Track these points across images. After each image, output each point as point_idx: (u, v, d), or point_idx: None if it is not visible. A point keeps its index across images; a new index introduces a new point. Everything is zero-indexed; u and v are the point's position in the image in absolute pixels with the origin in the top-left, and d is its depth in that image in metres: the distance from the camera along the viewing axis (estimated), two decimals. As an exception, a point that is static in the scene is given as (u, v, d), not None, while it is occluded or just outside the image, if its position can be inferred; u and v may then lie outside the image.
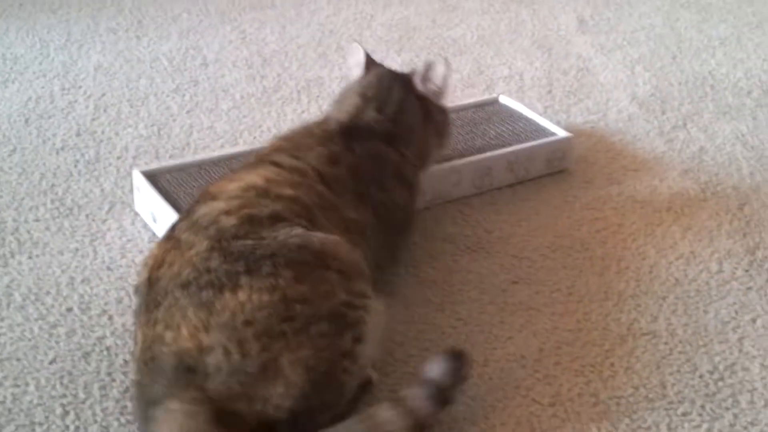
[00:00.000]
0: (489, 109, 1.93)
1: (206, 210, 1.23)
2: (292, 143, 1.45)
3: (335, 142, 1.44)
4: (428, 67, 1.58)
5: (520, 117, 1.90)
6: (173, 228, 1.24)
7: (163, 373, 1.10)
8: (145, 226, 1.58)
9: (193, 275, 1.13)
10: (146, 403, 1.10)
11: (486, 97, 1.99)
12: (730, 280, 1.51)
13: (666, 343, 1.37)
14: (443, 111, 1.62)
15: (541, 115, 1.94)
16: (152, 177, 1.59)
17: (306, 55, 2.30)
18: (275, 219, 1.21)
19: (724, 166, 1.86)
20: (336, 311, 1.15)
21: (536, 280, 1.50)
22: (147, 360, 1.12)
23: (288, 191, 1.28)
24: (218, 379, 1.08)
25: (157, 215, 1.53)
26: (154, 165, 1.68)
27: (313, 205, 1.29)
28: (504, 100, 1.97)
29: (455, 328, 1.38)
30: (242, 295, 1.11)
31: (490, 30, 2.51)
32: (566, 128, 1.89)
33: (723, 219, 1.68)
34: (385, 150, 1.50)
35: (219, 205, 1.23)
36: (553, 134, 1.83)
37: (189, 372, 1.09)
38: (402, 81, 1.58)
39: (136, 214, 1.61)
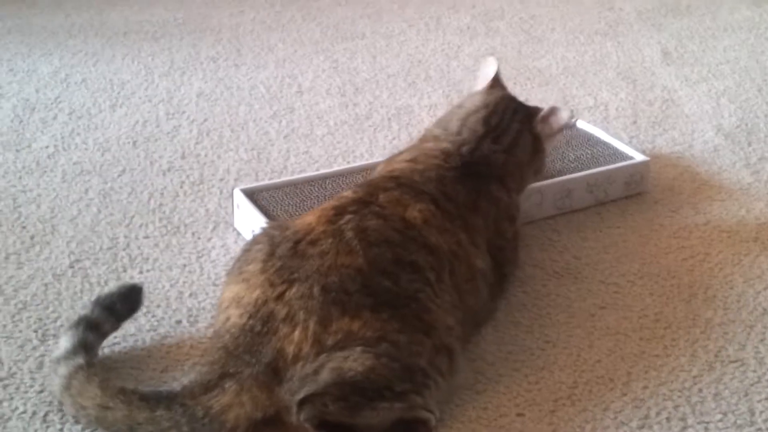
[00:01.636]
0: (567, 133, 1.98)
1: (375, 224, 1.35)
2: (425, 175, 1.49)
3: (466, 181, 1.51)
4: (552, 112, 1.62)
5: (598, 141, 1.96)
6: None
7: (257, 359, 1.21)
8: (247, 245, 1.66)
9: (336, 286, 1.25)
10: (223, 371, 1.20)
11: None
12: (818, 311, 1.54)
13: (754, 371, 1.39)
14: (546, 152, 1.67)
15: (619, 140, 1.99)
16: (251, 195, 1.69)
17: (396, 84, 2.38)
18: (413, 268, 1.32)
19: (812, 199, 1.88)
20: (412, 367, 1.24)
21: (624, 305, 1.54)
22: (251, 333, 1.23)
23: (434, 239, 1.38)
24: (288, 387, 1.18)
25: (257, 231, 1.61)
26: (252, 184, 1.77)
27: (449, 258, 1.38)
28: (581, 124, 2.02)
29: (544, 350, 1.43)
30: (356, 326, 1.23)
31: (575, 61, 2.56)
32: (651, 157, 1.93)
33: (811, 251, 1.70)
34: (498, 190, 1.55)
35: (386, 228, 1.35)
36: (630, 158, 1.88)
37: (274, 373, 1.19)
38: (524, 114, 1.63)
39: (239, 232, 1.70)
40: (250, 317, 1.25)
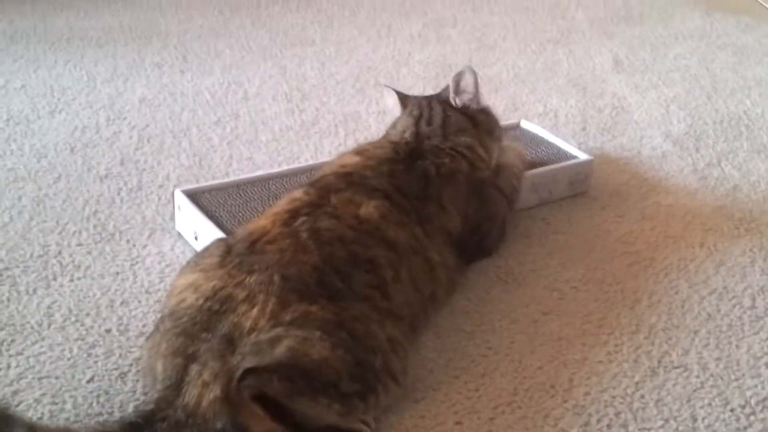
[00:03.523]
0: (512, 134, 1.97)
1: (328, 224, 1.36)
2: (377, 170, 1.52)
3: (415, 169, 1.55)
4: (458, 79, 1.67)
5: (542, 141, 1.95)
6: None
7: (214, 333, 1.18)
8: (183, 251, 1.61)
9: (295, 277, 1.25)
10: (185, 356, 1.17)
11: (509, 122, 2.03)
12: (763, 315, 1.51)
13: (697, 377, 1.37)
14: (484, 111, 1.71)
15: (564, 140, 1.98)
16: (193, 196, 1.64)
17: (344, 90, 2.35)
18: (371, 265, 1.34)
19: (759, 203, 1.86)
20: (365, 365, 1.22)
21: (567, 311, 1.51)
22: (209, 312, 1.21)
23: (392, 233, 1.40)
24: (239, 352, 1.16)
25: (200, 233, 1.57)
26: (194, 185, 1.73)
27: (406, 253, 1.40)
28: (525, 125, 2.01)
29: (485, 357, 1.40)
30: (314, 308, 1.22)
31: (526, 69, 2.55)
32: (600, 163, 1.92)
33: (757, 255, 1.68)
34: (453, 161, 1.59)
35: (339, 227, 1.36)
36: (574, 157, 1.88)
37: (229, 343, 1.17)
38: (437, 100, 1.69)
39: (176, 238, 1.65)
40: (207, 299, 1.24)
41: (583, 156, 1.88)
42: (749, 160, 2.05)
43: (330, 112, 2.21)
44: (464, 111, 1.68)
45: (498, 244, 1.67)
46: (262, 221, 1.39)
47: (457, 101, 1.68)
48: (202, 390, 1.15)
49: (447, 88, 1.69)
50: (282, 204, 1.43)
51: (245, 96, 2.28)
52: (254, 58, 2.53)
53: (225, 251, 1.32)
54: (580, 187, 1.86)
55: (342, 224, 1.38)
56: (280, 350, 1.17)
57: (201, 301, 1.23)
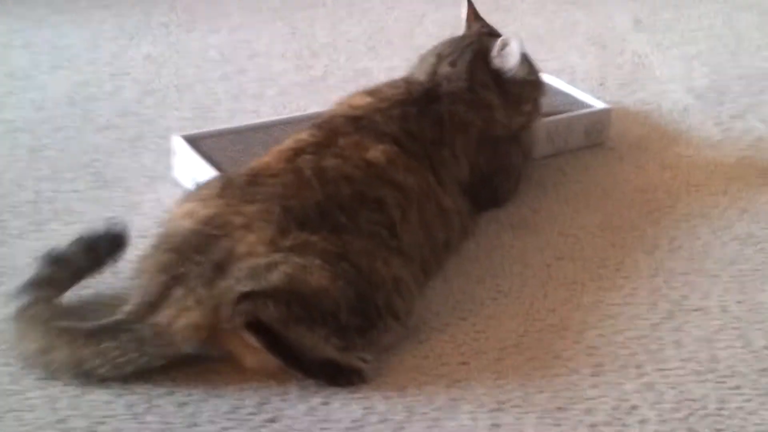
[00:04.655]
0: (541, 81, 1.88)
1: (334, 164, 1.29)
2: (387, 114, 1.44)
3: (429, 112, 1.47)
4: (503, 45, 1.55)
5: (558, 92, 1.87)
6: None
7: (206, 258, 1.13)
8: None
9: (297, 209, 1.20)
10: (171, 275, 1.13)
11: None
12: (789, 261, 1.44)
13: (718, 319, 1.29)
14: (524, 84, 1.59)
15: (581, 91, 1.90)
16: (193, 141, 1.58)
17: (355, 48, 2.28)
18: (378, 204, 1.27)
19: (785, 154, 1.78)
20: (367, 300, 1.15)
21: (582, 256, 1.44)
22: (203, 235, 1.16)
23: (401, 177, 1.33)
24: (233, 277, 1.11)
25: (200, 179, 1.51)
26: (194, 131, 1.67)
27: (416, 197, 1.33)
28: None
29: (495, 300, 1.33)
30: (315, 238, 1.16)
31: (543, 28, 2.47)
32: (618, 115, 1.84)
33: (783, 203, 1.60)
34: (467, 112, 1.50)
35: (345, 166, 1.29)
36: (591, 106, 1.80)
37: (220, 269, 1.12)
38: (476, 47, 1.58)
39: (175, 186, 1.59)
40: (203, 224, 1.18)
41: (600, 105, 1.81)
42: (775, 113, 1.96)
43: (340, 68, 2.15)
44: (497, 73, 1.56)
45: (511, 195, 1.59)
46: (265, 158, 1.33)
47: (494, 62, 1.56)
48: (180, 312, 1.09)
49: (494, 40, 1.58)
50: (287, 143, 1.37)
51: (253, 53, 2.21)
52: (263, 18, 2.47)
53: (225, 183, 1.27)
54: (597, 138, 1.78)
55: (348, 164, 1.31)
56: (277, 275, 1.10)
57: (197, 225, 1.17)
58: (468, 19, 1.68)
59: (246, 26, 2.40)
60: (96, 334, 1.12)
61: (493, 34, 1.65)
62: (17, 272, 1.34)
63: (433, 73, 1.53)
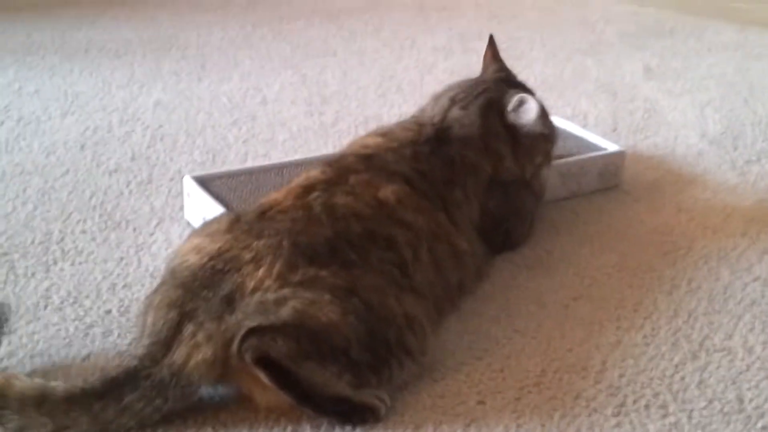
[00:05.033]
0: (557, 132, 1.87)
1: (344, 201, 1.27)
2: (399, 153, 1.42)
3: (440, 152, 1.45)
4: (520, 103, 1.52)
5: (570, 135, 1.85)
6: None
7: (214, 293, 1.11)
8: (192, 239, 1.53)
9: (305, 244, 1.17)
10: (180, 313, 1.10)
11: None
12: (812, 301, 1.40)
13: (742, 360, 1.26)
14: (537, 137, 1.56)
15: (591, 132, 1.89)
16: (203, 182, 1.56)
17: (366, 95, 2.28)
18: (388, 243, 1.25)
19: (803, 197, 1.76)
20: (378, 336, 1.13)
21: (600, 296, 1.41)
22: (211, 270, 1.13)
23: (410, 217, 1.31)
24: (241, 311, 1.08)
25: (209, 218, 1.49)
26: (205, 172, 1.66)
27: (427, 237, 1.31)
28: (553, 120, 1.92)
29: (510, 339, 1.29)
30: (324, 273, 1.14)
31: (554, 76, 2.47)
32: (632, 160, 1.82)
33: (802, 245, 1.57)
34: (478, 155, 1.48)
35: (356, 204, 1.27)
36: (604, 149, 1.78)
37: (227, 304, 1.09)
38: (490, 97, 1.54)
39: (185, 227, 1.57)
40: (211, 259, 1.16)
41: (613, 147, 1.79)
42: (791, 158, 1.94)
43: (350, 114, 2.14)
44: (511, 126, 1.54)
45: (525, 238, 1.57)
46: (274, 195, 1.31)
47: (509, 117, 1.53)
48: (192, 350, 1.06)
49: (507, 92, 1.55)
50: (297, 180, 1.35)
51: (263, 100, 2.21)
52: (274, 66, 2.47)
53: (233, 219, 1.24)
54: (611, 181, 1.76)
55: (359, 202, 1.29)
56: (286, 310, 1.08)
57: (205, 260, 1.15)
58: (485, 59, 1.66)
59: (256, 74, 2.40)
60: (113, 390, 1.06)
61: (510, 80, 1.63)
62: (25, 311, 1.32)
63: (444, 116, 1.51)
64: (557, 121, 1.93)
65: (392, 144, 1.45)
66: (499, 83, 1.60)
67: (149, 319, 1.12)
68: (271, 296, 1.09)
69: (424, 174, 1.40)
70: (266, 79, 2.36)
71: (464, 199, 1.43)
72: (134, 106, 2.14)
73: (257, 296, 1.09)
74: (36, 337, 1.26)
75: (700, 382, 1.21)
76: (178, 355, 1.06)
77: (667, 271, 1.49)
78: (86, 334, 1.27)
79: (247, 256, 1.14)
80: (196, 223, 1.55)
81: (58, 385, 1.07)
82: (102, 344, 1.25)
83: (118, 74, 2.35)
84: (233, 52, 2.58)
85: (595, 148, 1.80)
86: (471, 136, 1.50)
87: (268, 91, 2.27)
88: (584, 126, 2.08)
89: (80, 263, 1.46)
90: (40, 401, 1.05)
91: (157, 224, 1.59)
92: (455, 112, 1.52)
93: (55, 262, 1.45)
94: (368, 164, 1.39)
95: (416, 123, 1.52)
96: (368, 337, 1.11)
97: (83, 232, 1.55)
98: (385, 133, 1.49)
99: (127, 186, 1.73)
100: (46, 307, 1.33)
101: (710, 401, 1.17)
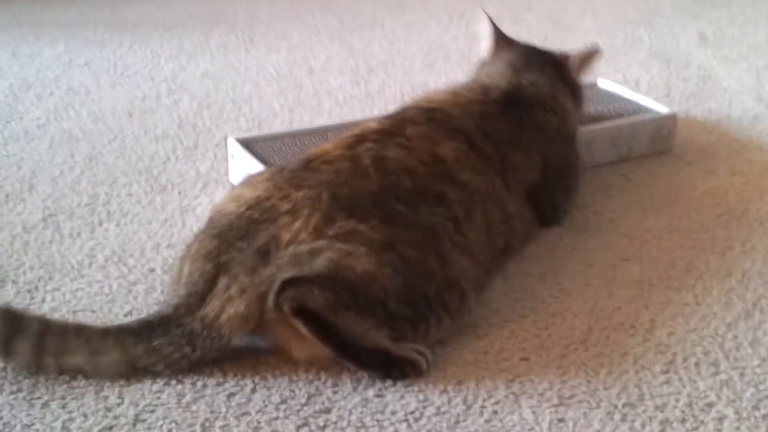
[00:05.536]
0: (588, 92, 1.83)
1: (397, 154, 1.25)
2: (466, 109, 1.40)
3: (509, 113, 1.43)
4: (589, 56, 1.55)
5: (621, 98, 1.82)
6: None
7: (250, 243, 1.10)
8: (236, 201, 1.53)
9: (346, 197, 1.15)
10: (216, 265, 1.10)
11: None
12: None
13: (798, 319, 1.22)
14: (583, 91, 1.59)
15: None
16: (247, 144, 1.56)
17: (413, 65, 2.25)
18: (439, 200, 1.22)
19: None
20: (416, 290, 1.11)
21: (649, 257, 1.37)
22: (247, 220, 1.13)
23: (466, 176, 1.28)
24: (276, 264, 1.07)
25: None
26: (249, 134, 1.65)
27: (480, 198, 1.28)
28: (603, 83, 1.88)
29: (557, 298, 1.27)
30: (362, 227, 1.12)
31: (606, 45, 2.39)
32: (686, 125, 1.78)
33: None
34: (545, 115, 1.47)
35: (409, 159, 1.25)
36: (656, 112, 1.74)
37: (262, 256, 1.08)
38: (548, 59, 1.55)
39: (230, 189, 1.56)
40: (248, 208, 1.15)
41: (664, 110, 1.74)
42: None
43: (396, 82, 2.12)
44: (575, 84, 1.56)
45: (569, 208, 1.52)
46: (325, 145, 1.29)
47: (576, 74, 1.55)
48: (226, 304, 1.06)
49: (569, 53, 1.56)
50: (352, 129, 1.34)
51: (310, 70, 2.20)
52: (321, 39, 2.46)
53: (278, 169, 1.24)
54: (662, 144, 1.72)
55: (412, 157, 1.26)
56: (321, 261, 1.06)
57: (242, 209, 1.14)
58: (497, 43, 1.61)
59: (304, 46, 2.39)
60: (145, 332, 1.08)
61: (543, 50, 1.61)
62: (69, 269, 1.33)
63: (513, 78, 1.49)
64: (607, 84, 1.89)
65: (459, 100, 1.42)
66: (551, 51, 1.58)
67: (186, 269, 1.12)
68: (305, 248, 1.08)
69: (488, 134, 1.37)
70: (313, 51, 2.35)
71: (526, 159, 1.41)
72: (182, 76, 2.15)
73: (291, 249, 1.08)
74: (79, 293, 1.26)
75: (754, 340, 1.17)
76: (211, 308, 1.06)
77: (721, 232, 1.45)
78: (129, 291, 1.27)
79: (285, 207, 1.13)
80: (241, 185, 1.54)
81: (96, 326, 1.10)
82: (144, 301, 1.25)
83: (167, 47, 2.36)
84: (281, 27, 2.57)
85: (647, 110, 1.75)
86: (543, 94, 1.49)
87: (314, 62, 2.26)
88: (637, 92, 2.04)
89: (125, 224, 1.46)
90: (80, 330, 1.09)
91: (202, 187, 1.59)
92: (528, 75, 1.50)
93: (101, 223, 1.46)
94: (430, 117, 1.36)
95: (480, 85, 1.49)
96: (406, 291, 1.09)
97: (129, 195, 1.56)
98: (451, 91, 1.47)
99: (174, 152, 1.73)
100: (90, 265, 1.34)
101: (764, 360, 1.13)
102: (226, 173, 1.63)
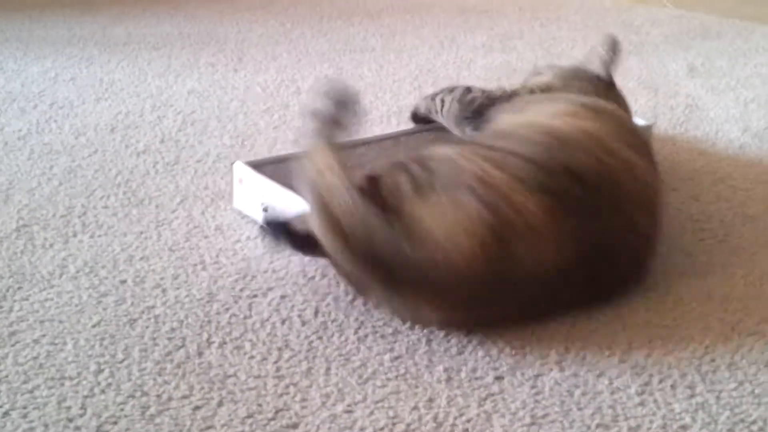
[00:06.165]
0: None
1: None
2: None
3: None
4: (614, 45, 1.69)
5: None
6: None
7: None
8: (214, 216, 1.51)
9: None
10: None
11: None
12: None
13: (777, 344, 1.20)
14: None
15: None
16: (257, 167, 1.51)
17: (401, 87, 2.25)
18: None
19: None
20: None
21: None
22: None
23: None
24: None
25: (270, 203, 1.44)
26: (254, 158, 1.62)
27: None
28: None
29: (534, 319, 1.24)
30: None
31: (595, 74, 2.41)
32: (672, 152, 1.77)
33: None
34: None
35: None
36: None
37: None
38: (590, 78, 1.68)
39: (207, 204, 1.55)
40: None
41: (640, 121, 1.76)
42: (838, 153, 1.87)
43: (384, 104, 2.11)
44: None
45: None
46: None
47: (609, 69, 1.68)
48: None
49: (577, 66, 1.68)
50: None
51: (297, 90, 2.19)
52: (311, 60, 2.46)
53: None
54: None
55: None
56: None
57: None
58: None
59: (293, 67, 2.39)
60: None
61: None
62: (39, 279, 1.30)
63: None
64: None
65: (607, 128, 1.37)
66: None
67: None
68: None
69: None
70: (302, 72, 2.34)
71: None
72: (168, 93, 2.14)
73: None
74: (48, 303, 1.24)
75: (731, 364, 1.15)
76: None
77: (702, 257, 1.43)
78: (98, 302, 1.25)
79: None
80: (249, 210, 1.51)
81: None
82: (114, 312, 1.23)
83: (155, 65, 2.35)
84: (271, 48, 2.57)
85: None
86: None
87: (303, 83, 2.25)
88: (623, 119, 2.03)
89: (99, 236, 1.44)
90: None
91: (180, 202, 1.57)
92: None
93: (75, 235, 1.44)
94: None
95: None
96: None
97: (105, 207, 1.54)
98: (585, 117, 1.37)
99: (154, 166, 1.72)
100: (61, 275, 1.32)
101: (740, 383, 1.11)
102: (205, 188, 1.61)
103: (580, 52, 2.60)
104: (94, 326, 1.20)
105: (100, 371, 1.10)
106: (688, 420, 1.05)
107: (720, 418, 1.05)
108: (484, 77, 2.35)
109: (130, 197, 1.58)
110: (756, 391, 1.10)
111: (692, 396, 1.09)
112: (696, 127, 2.01)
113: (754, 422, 1.04)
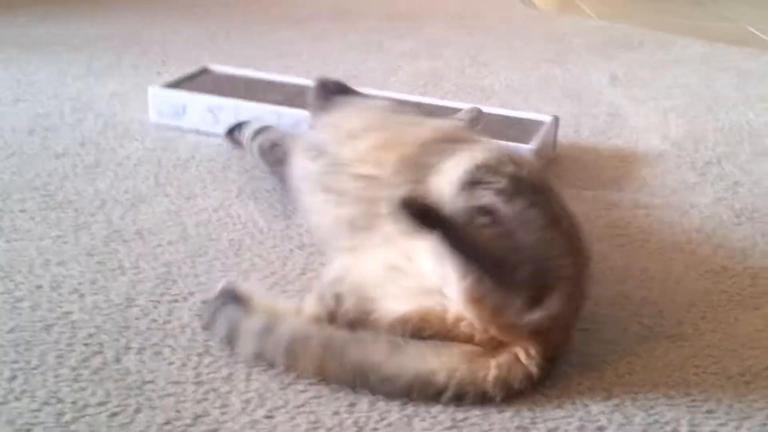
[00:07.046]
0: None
1: None
2: None
3: None
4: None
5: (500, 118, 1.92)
6: None
7: None
8: (134, 220, 1.49)
9: None
10: None
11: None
12: (765, 293, 1.37)
13: (691, 346, 1.22)
14: None
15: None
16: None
17: (327, 93, 2.24)
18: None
19: (762, 197, 1.73)
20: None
21: (550, 284, 1.37)
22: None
23: None
24: None
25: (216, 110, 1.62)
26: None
27: None
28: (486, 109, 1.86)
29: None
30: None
31: (520, 82, 2.44)
32: (593, 159, 1.80)
33: (759, 241, 1.55)
34: None
35: None
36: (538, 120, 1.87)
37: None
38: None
39: (128, 209, 1.52)
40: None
41: (546, 118, 1.87)
42: (751, 161, 1.92)
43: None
44: None
45: None
46: None
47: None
48: None
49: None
50: None
51: (222, 94, 2.17)
52: (237, 65, 2.43)
53: None
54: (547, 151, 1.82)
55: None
56: None
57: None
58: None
59: (218, 71, 2.37)
60: None
61: None
62: (-50, 283, 1.27)
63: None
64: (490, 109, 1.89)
65: None
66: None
67: None
68: None
69: None
70: (227, 76, 2.33)
71: None
72: (89, 95, 2.10)
73: None
74: (-39, 308, 1.21)
75: (647, 366, 1.17)
76: None
77: (620, 261, 1.46)
78: (14, 308, 1.22)
79: None
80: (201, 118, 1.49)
81: None
82: (29, 317, 1.20)
83: (76, 66, 2.31)
84: (196, 51, 2.54)
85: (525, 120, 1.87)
86: None
87: (227, 87, 2.24)
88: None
89: (15, 240, 1.41)
90: None
91: (100, 206, 1.54)
92: None
93: (-10, 239, 1.41)
94: None
95: None
96: None
97: (22, 210, 1.50)
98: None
99: (73, 169, 1.68)
100: (-26, 280, 1.28)
101: (656, 385, 1.14)
102: (126, 191, 1.59)
103: (506, 61, 2.64)
104: (8, 332, 1.17)
105: (13, 378, 1.08)
106: (604, 421, 1.06)
107: (635, 419, 1.07)
108: (411, 83, 2.37)
109: (48, 201, 1.55)
110: (670, 394, 1.12)
111: (609, 398, 1.11)
112: (617, 135, 2.05)
113: (668, 423, 1.07)
